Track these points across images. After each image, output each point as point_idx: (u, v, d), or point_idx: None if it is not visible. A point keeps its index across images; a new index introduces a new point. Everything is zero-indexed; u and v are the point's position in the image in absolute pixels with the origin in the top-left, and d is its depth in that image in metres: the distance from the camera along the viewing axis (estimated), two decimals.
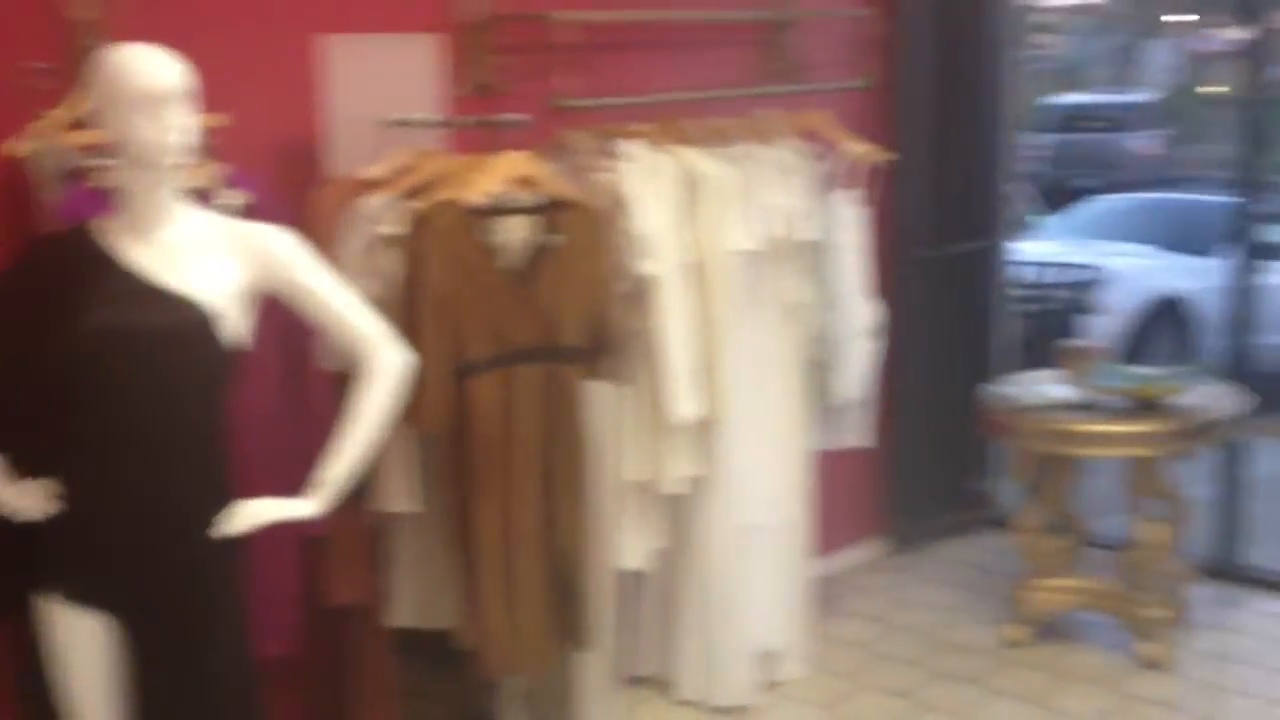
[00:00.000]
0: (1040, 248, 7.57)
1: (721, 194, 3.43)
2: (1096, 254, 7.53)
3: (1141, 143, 15.68)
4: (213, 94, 2.47)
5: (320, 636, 3.27)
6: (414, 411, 2.84)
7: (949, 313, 4.93)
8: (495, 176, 2.94)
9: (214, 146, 2.73)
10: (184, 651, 2.41)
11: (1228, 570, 4.61)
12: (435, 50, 3.37)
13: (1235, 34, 4.75)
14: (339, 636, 3.30)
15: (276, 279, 2.44)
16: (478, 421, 2.97)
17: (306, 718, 3.40)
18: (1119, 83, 20.60)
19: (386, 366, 2.51)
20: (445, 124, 3.21)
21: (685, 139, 3.52)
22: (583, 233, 3.04)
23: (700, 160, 3.46)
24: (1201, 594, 4.40)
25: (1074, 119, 15.78)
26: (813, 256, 3.78)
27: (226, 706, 2.46)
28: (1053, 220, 9.51)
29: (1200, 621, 4.30)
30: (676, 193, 3.38)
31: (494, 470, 3.00)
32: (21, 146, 2.66)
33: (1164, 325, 7.49)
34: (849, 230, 3.88)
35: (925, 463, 4.94)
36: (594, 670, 3.55)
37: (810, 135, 3.84)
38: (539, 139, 3.30)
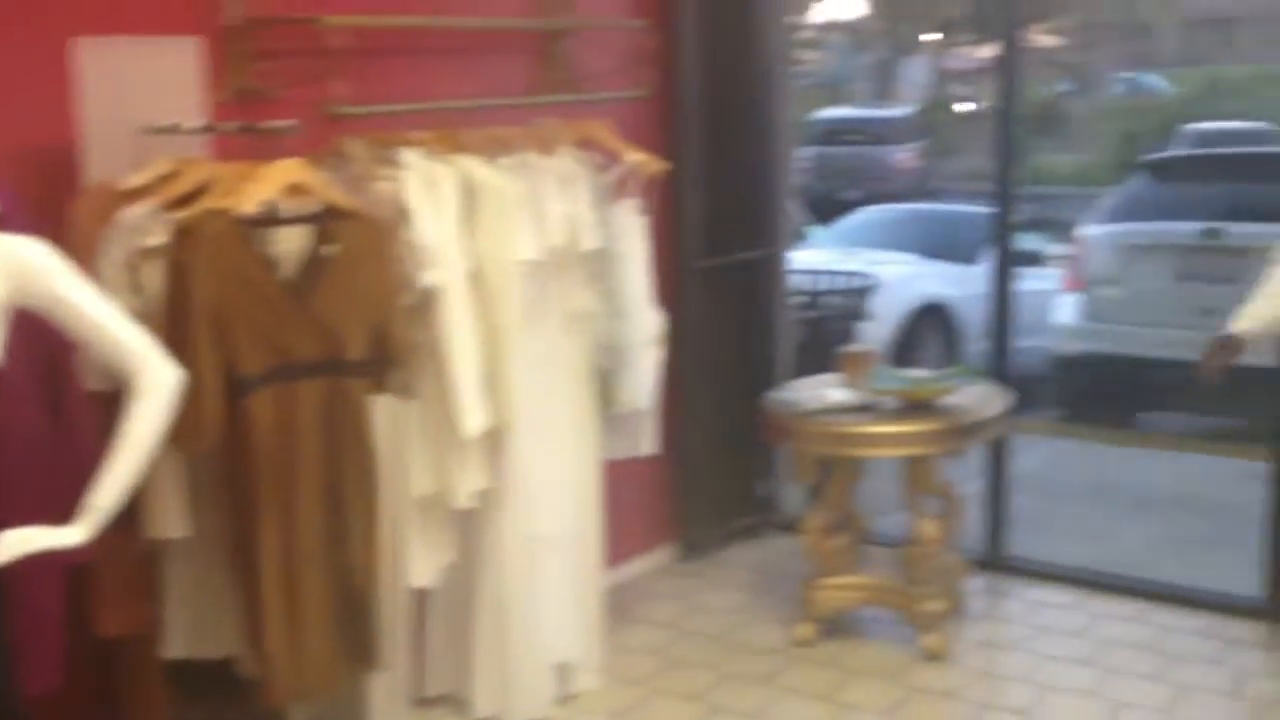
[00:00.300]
0: (813, 257, 7.78)
1: (503, 203, 3.39)
2: (865, 262, 7.80)
3: (901, 156, 16.39)
4: None
5: (90, 670, 3.09)
6: (185, 430, 2.70)
7: (731, 321, 4.99)
8: (267, 185, 2.83)
9: None
10: None
11: (996, 561, 4.80)
12: (196, 54, 3.23)
13: (985, 51, 4.94)
14: (111, 670, 3.14)
15: (33, 293, 2.28)
16: (257, 439, 2.85)
17: None
18: (878, 98, 21.49)
19: (156, 384, 2.38)
20: (210, 130, 3.07)
21: (465, 147, 3.47)
22: (361, 243, 2.95)
23: (480, 169, 3.40)
24: (974, 585, 4.59)
25: (836, 133, 16.36)
26: (597, 265, 3.77)
27: None
28: (822, 230, 9.81)
29: (974, 612, 4.47)
30: (457, 202, 3.32)
31: (275, 488, 2.89)
32: None
33: (929, 329, 7.83)
34: (632, 239, 3.89)
35: (712, 469, 4.99)
36: (385, 692, 3.47)
37: (590, 144, 3.84)
38: (314, 146, 3.20)
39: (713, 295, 4.86)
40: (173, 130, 2.96)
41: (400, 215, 3.20)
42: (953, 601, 4.35)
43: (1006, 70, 4.66)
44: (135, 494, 2.58)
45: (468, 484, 3.41)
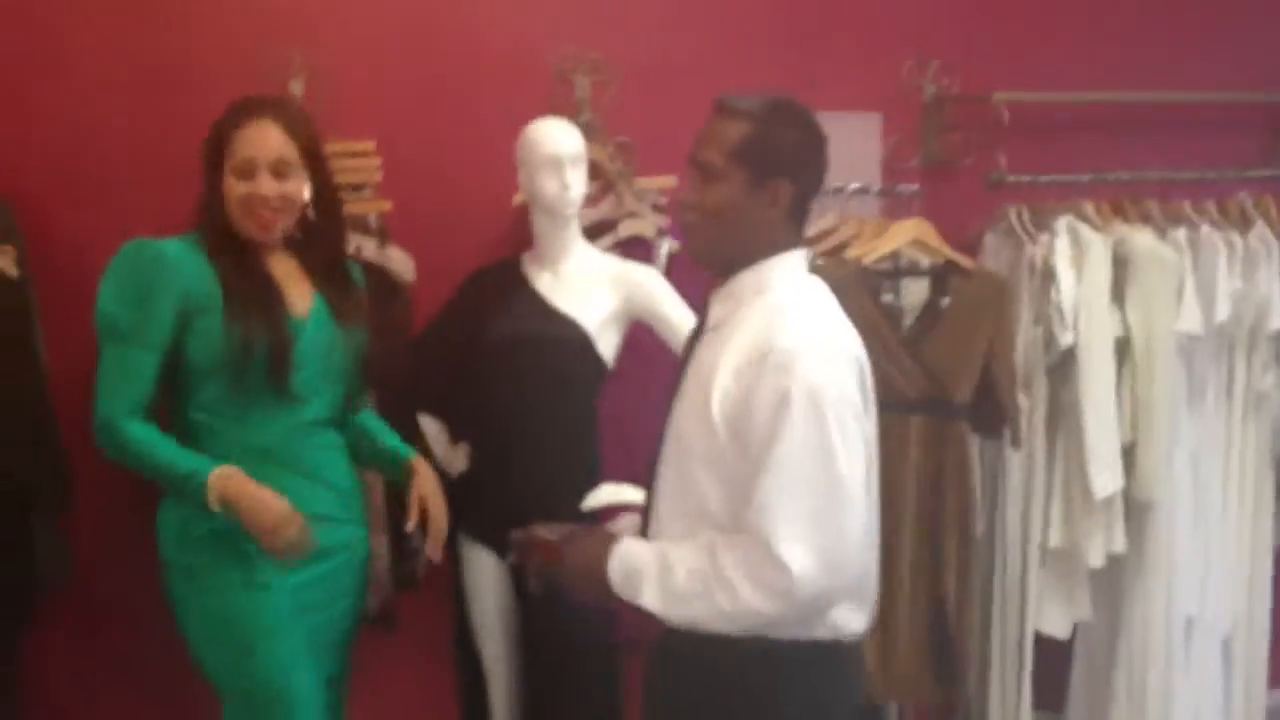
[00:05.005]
0: None
1: (1158, 271, 3.59)
2: None
3: None
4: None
5: None
6: None
7: None
8: (890, 240, 3.45)
9: (668, 204, 3.57)
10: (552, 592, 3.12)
11: None
12: (877, 127, 3.92)
13: None
14: None
15: (641, 309, 3.18)
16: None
17: None
18: None
19: None
20: (862, 193, 3.73)
21: (1132, 217, 3.73)
22: (975, 297, 3.40)
23: (1138, 236, 3.63)
24: None
25: None
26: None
27: (582, 632, 3.16)
28: None
29: None
30: (1107, 268, 3.59)
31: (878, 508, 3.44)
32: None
33: None
34: None
35: None
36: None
37: None
38: (983, 211, 3.76)
39: None
40: (837, 192, 3.70)
41: (1045, 276, 3.63)
42: None
43: None
44: None
45: (1100, 544, 3.66)
